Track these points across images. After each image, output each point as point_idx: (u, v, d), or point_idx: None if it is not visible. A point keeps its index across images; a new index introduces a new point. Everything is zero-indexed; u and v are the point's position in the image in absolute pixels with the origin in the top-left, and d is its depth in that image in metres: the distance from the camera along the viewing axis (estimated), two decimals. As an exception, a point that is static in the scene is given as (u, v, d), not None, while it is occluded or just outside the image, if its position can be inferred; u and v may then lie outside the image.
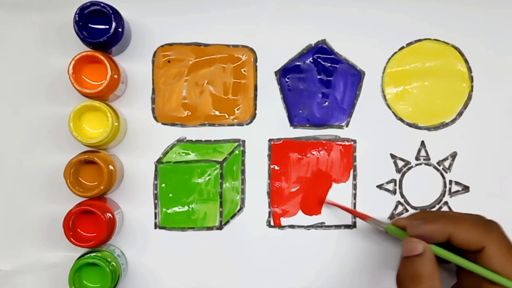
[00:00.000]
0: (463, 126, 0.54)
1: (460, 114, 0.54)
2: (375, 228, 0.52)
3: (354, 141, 0.54)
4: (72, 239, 0.48)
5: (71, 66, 0.48)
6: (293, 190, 0.53)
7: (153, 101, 0.53)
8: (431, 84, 0.54)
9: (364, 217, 0.51)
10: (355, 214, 0.52)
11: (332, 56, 0.53)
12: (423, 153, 0.54)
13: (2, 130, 0.52)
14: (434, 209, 0.53)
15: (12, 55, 0.52)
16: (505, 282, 0.43)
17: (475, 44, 0.54)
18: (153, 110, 0.53)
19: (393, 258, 0.53)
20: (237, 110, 0.53)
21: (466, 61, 0.54)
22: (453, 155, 0.54)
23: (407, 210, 0.53)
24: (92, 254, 0.48)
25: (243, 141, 0.53)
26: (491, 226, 0.45)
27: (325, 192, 0.53)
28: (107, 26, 0.49)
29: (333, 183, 0.53)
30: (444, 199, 0.54)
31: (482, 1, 0.53)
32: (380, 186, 0.54)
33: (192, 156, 0.53)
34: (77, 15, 0.48)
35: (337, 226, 0.53)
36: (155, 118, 0.53)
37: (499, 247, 0.43)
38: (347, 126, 0.54)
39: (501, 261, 0.43)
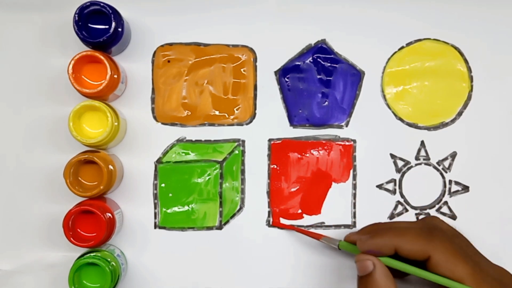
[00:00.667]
0: (463, 126, 0.54)
1: (460, 114, 0.54)
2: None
3: (354, 141, 0.53)
4: (72, 239, 0.48)
5: (71, 66, 0.48)
6: (293, 190, 0.53)
7: (153, 101, 0.53)
8: (431, 84, 0.54)
9: (317, 236, 0.51)
10: (307, 234, 0.52)
11: (332, 56, 0.53)
12: (423, 153, 0.54)
13: (2, 130, 0.52)
14: (434, 209, 0.54)
15: (12, 55, 0.52)
16: (457, 286, 0.43)
17: (475, 44, 0.54)
18: (153, 110, 0.53)
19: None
20: (237, 110, 0.53)
21: (466, 61, 0.54)
22: (453, 155, 0.54)
23: (407, 210, 0.53)
24: (92, 254, 0.48)
25: (243, 141, 0.53)
26: (433, 234, 0.45)
27: (325, 192, 0.53)
28: (107, 26, 0.49)
29: (333, 183, 0.53)
30: (444, 199, 0.54)
31: (482, 1, 0.53)
32: (380, 186, 0.54)
33: (192, 156, 0.53)
34: (77, 15, 0.48)
35: (337, 226, 0.53)
36: (155, 118, 0.53)
37: (444, 254, 0.43)
38: (347, 126, 0.54)
39: (448, 266, 0.43)
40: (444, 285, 0.43)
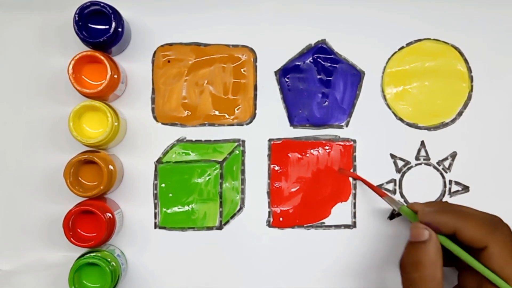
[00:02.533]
0: (463, 126, 0.54)
1: (460, 114, 0.54)
2: (381, 227, 0.52)
3: (354, 141, 0.54)
4: (72, 239, 0.48)
5: (71, 66, 0.48)
6: (293, 190, 0.53)
7: (153, 101, 0.53)
8: (431, 84, 0.54)
9: (381, 193, 0.51)
10: (372, 188, 0.52)
11: (332, 56, 0.53)
12: (423, 153, 0.54)
13: (2, 130, 0.52)
14: (434, 209, 0.54)
15: (12, 55, 0.52)
16: (501, 283, 0.43)
17: (475, 44, 0.54)
18: (153, 110, 0.53)
19: (392, 258, 0.53)
20: (237, 110, 0.53)
21: (466, 61, 0.54)
22: (453, 155, 0.54)
23: (407, 210, 0.54)
24: (92, 254, 0.48)
25: (243, 141, 0.53)
26: (497, 227, 0.45)
27: (325, 192, 0.53)
28: (107, 26, 0.49)
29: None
30: (444, 199, 0.54)
31: (482, 1, 0.53)
32: (380, 186, 0.54)
33: (192, 156, 0.53)
34: (77, 15, 0.48)
35: (337, 226, 0.53)
36: (155, 118, 0.53)
37: (501, 248, 0.44)
38: (347, 126, 0.54)
39: (500, 262, 0.43)
40: (489, 280, 0.43)
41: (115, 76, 0.49)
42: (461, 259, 0.45)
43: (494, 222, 0.46)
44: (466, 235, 0.44)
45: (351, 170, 0.53)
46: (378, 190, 0.52)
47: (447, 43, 0.54)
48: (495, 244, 0.44)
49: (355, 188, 0.53)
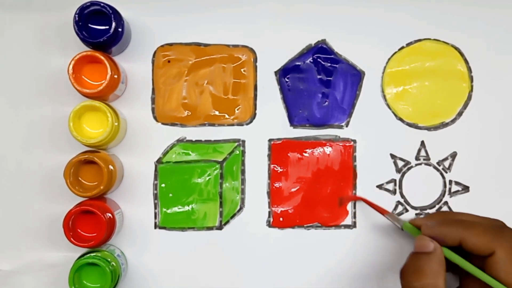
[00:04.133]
0: (463, 126, 0.54)
1: (460, 114, 0.54)
2: (380, 227, 0.52)
3: (354, 141, 0.54)
4: (72, 239, 0.48)
5: (71, 66, 0.48)
6: (293, 190, 0.53)
7: (153, 101, 0.53)
8: (431, 84, 0.54)
9: (382, 211, 0.51)
10: (373, 206, 0.52)
11: (332, 56, 0.53)
12: (423, 153, 0.54)
13: (2, 130, 0.52)
14: (434, 209, 0.53)
15: (12, 55, 0.52)
16: None
17: (475, 44, 0.54)
18: (153, 110, 0.53)
19: (393, 259, 0.53)
20: (237, 110, 0.53)
21: (466, 61, 0.54)
22: (453, 155, 0.54)
23: (407, 210, 0.53)
24: (92, 254, 0.48)
25: (243, 141, 0.53)
26: (502, 232, 0.45)
27: (325, 192, 0.53)
28: (107, 26, 0.49)
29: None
30: (444, 199, 0.54)
31: (482, 1, 0.53)
32: (380, 186, 0.54)
33: (192, 156, 0.53)
34: (77, 15, 0.48)
35: (337, 226, 0.53)
36: (155, 118, 0.53)
37: (508, 254, 0.43)
38: (347, 126, 0.54)
39: (506, 267, 0.43)
40: None
41: (115, 76, 0.49)
42: (467, 270, 0.45)
43: (498, 227, 0.46)
44: (471, 244, 0.44)
45: (352, 170, 0.53)
46: (380, 208, 0.52)
47: (447, 43, 0.54)
48: (502, 249, 0.44)
49: (355, 188, 0.53)
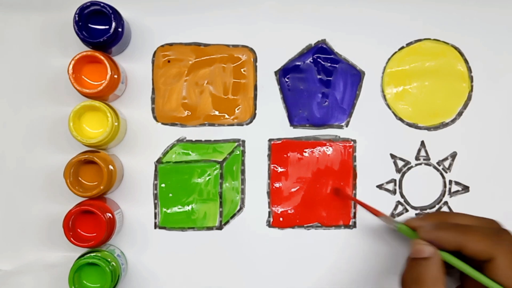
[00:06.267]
0: (463, 126, 0.54)
1: (460, 114, 0.54)
2: (381, 227, 0.52)
3: (354, 141, 0.54)
4: (72, 239, 0.48)
5: (71, 66, 0.48)
6: (293, 190, 0.53)
7: (153, 101, 0.53)
8: (431, 84, 0.54)
9: (376, 213, 0.51)
10: (367, 208, 0.51)
11: (332, 56, 0.53)
12: (423, 153, 0.54)
13: (2, 130, 0.52)
14: (434, 209, 0.54)
15: (12, 55, 0.52)
16: None
17: (475, 44, 0.54)
18: (153, 110, 0.53)
19: (393, 259, 0.53)
20: (237, 110, 0.53)
21: (466, 61, 0.54)
22: (453, 155, 0.54)
23: (407, 210, 0.54)
24: (92, 254, 0.48)
25: (243, 141, 0.53)
26: (501, 237, 0.45)
27: (325, 192, 0.53)
28: (107, 26, 0.49)
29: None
30: (444, 199, 0.54)
31: (482, 1, 0.53)
32: (380, 186, 0.54)
33: (192, 156, 0.53)
34: (77, 15, 0.48)
35: (337, 226, 0.53)
36: (155, 118, 0.53)
37: (507, 259, 0.43)
38: (347, 126, 0.54)
39: (506, 272, 0.43)
40: None
41: (115, 76, 0.49)
42: (467, 274, 0.45)
43: (496, 232, 0.45)
44: (470, 250, 0.44)
45: (351, 171, 0.53)
46: (373, 209, 0.51)
47: (447, 43, 0.54)
48: (502, 254, 0.43)
49: (355, 188, 0.53)
